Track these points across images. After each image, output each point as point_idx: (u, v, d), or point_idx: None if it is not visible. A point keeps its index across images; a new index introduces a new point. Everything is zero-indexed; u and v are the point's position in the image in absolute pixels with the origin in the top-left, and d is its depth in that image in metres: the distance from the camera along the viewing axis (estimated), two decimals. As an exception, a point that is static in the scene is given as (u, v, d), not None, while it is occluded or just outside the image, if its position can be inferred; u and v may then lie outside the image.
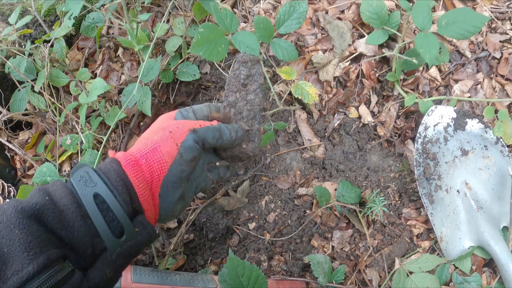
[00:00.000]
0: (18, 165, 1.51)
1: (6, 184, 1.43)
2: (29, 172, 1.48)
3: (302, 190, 1.31)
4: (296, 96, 1.24)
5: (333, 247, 1.23)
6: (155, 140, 0.69)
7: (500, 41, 1.40)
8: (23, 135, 1.53)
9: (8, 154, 1.55)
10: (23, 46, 1.37)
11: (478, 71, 1.38)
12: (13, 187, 1.44)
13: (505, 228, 1.23)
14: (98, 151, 1.30)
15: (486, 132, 1.25)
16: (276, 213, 1.30)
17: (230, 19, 1.08)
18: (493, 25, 1.42)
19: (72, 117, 1.40)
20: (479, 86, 1.32)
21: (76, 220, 0.59)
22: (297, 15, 1.16)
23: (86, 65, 1.55)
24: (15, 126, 1.53)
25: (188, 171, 0.71)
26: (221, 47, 1.05)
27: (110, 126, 1.30)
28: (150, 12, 1.48)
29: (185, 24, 1.33)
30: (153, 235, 0.66)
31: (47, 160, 1.44)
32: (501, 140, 1.25)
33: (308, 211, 1.29)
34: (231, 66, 1.36)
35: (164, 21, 1.38)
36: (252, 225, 1.31)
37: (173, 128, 0.71)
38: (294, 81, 1.28)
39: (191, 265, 1.27)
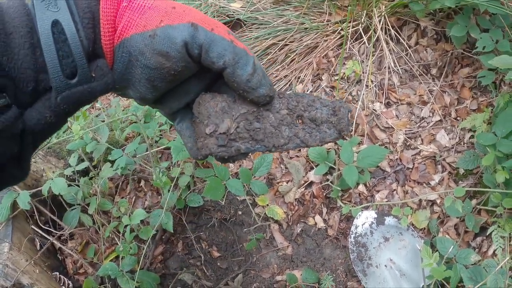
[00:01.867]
0: (70, 266, 2.61)
1: (64, 277, 2.52)
2: (80, 271, 2.57)
3: (279, 277, 2.40)
4: (269, 215, 2.40)
5: (300, 313, 2.30)
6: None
7: (412, 155, 2.56)
8: (71, 244, 2.65)
9: (60, 257, 2.66)
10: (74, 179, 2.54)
11: (396, 180, 2.53)
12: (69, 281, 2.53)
13: (423, 286, 2.29)
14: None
15: (399, 223, 2.37)
16: (262, 295, 2.40)
17: (224, 172, 2.26)
18: (407, 143, 2.60)
19: (112, 231, 2.54)
20: (394, 192, 2.47)
21: (23, 48, 0.59)
22: (266, 164, 2.34)
23: (116, 192, 2.72)
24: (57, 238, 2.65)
25: (149, 73, 0.67)
26: (220, 190, 2.22)
27: (139, 239, 2.43)
28: (168, 161, 2.68)
29: (192, 168, 2.51)
30: (111, 85, 0.67)
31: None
32: (411, 227, 2.35)
33: (283, 291, 2.38)
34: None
35: (177, 166, 2.58)
36: (245, 304, 2.39)
37: (178, 8, 0.67)
38: (267, 205, 2.44)
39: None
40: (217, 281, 2.46)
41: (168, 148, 2.69)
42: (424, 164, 2.51)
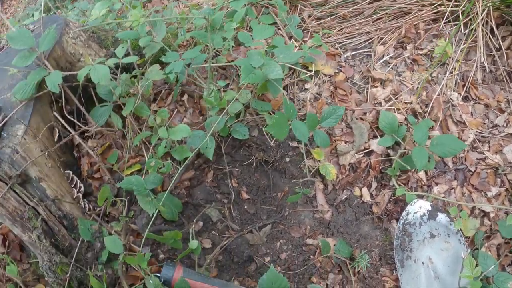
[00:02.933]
0: (85, 167, 2.34)
1: (78, 180, 2.26)
2: (95, 175, 2.31)
3: (309, 241, 2.21)
4: (321, 172, 2.17)
5: (327, 284, 2.12)
6: None
7: (477, 159, 2.37)
8: (92, 143, 2.38)
9: (76, 155, 2.38)
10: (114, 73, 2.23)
11: (455, 179, 2.35)
12: (82, 183, 2.26)
13: (454, 296, 2.14)
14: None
15: (451, 224, 2.19)
16: (287, 254, 2.18)
17: (292, 111, 2.02)
18: (475, 145, 2.41)
19: (142, 141, 2.28)
20: (452, 190, 2.29)
21: None
22: (336, 116, 2.11)
23: (154, 100, 2.44)
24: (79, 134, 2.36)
25: None
26: (285, 129, 1.98)
27: (171, 156, 2.18)
28: (222, 80, 2.40)
29: (249, 96, 2.26)
30: None
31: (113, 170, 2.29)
32: (460, 232, 2.18)
33: (312, 256, 2.18)
34: None
35: (231, 89, 2.32)
36: (267, 259, 2.18)
37: None
38: (321, 161, 2.22)
39: (219, 277, 2.12)
40: (241, 225, 2.25)
41: (223, 68, 2.43)
42: (486, 172, 2.33)
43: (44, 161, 2.11)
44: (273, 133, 1.98)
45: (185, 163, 2.09)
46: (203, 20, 2.19)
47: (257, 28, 2.22)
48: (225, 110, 2.11)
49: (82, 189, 2.24)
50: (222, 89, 2.34)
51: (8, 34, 2.06)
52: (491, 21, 2.53)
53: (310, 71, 2.40)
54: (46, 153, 2.11)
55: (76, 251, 2.09)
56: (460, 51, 2.52)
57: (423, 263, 2.15)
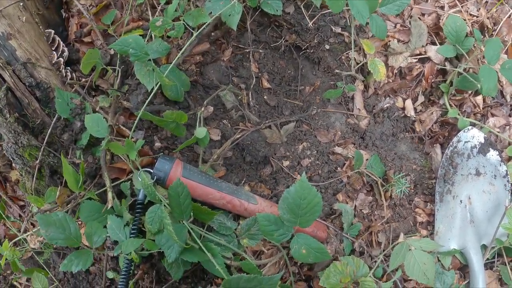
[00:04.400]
0: (73, 28, 1.83)
1: (59, 40, 1.75)
2: (85, 39, 1.80)
3: (338, 149, 1.82)
4: (369, 70, 1.76)
5: (355, 206, 1.75)
6: None
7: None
8: (85, 1, 1.86)
9: (64, 14, 1.86)
10: None
11: (510, 116, 2.02)
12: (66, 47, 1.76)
13: (483, 246, 1.84)
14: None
15: (500, 165, 1.87)
16: (310, 160, 1.79)
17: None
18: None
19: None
20: (508, 127, 1.96)
21: None
22: (400, 3, 1.70)
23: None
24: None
25: None
26: (342, 1, 1.56)
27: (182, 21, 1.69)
28: None
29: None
30: None
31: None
32: (508, 176, 1.88)
33: (339, 169, 1.80)
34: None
35: None
36: (286, 163, 1.78)
37: None
38: (369, 55, 1.81)
39: (226, 179, 1.70)
40: (259, 118, 1.82)
41: None
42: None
43: (16, 13, 1.67)
44: (330, 3, 1.54)
45: (199, 31, 1.60)
46: None
47: None
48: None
49: (66, 53, 1.75)
50: None
51: None
52: None
53: None
54: (21, 3, 1.60)
55: (50, 131, 1.66)
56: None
57: (461, 201, 1.83)
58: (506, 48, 2.00)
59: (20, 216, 1.98)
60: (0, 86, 1.59)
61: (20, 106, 1.64)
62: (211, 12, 1.65)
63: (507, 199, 1.85)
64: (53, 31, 1.76)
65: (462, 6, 2.00)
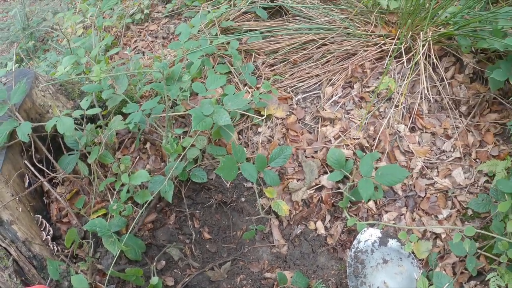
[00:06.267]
0: (54, 212, 2.53)
1: (47, 223, 2.45)
2: (64, 220, 2.50)
3: (267, 274, 2.38)
4: (274, 209, 2.38)
5: (284, 314, 2.29)
6: None
7: (426, 185, 2.58)
8: (61, 189, 2.58)
9: (45, 201, 2.58)
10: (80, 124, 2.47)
11: (405, 206, 2.54)
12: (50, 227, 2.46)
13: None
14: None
15: (402, 248, 2.38)
16: None
17: (241, 153, 2.24)
18: (423, 172, 2.62)
19: (107, 187, 2.49)
20: (402, 216, 2.48)
21: None
22: (284, 156, 2.33)
23: (119, 148, 2.67)
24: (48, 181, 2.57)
25: None
26: (234, 172, 2.20)
27: (133, 201, 2.38)
28: (181, 128, 2.64)
29: (204, 142, 2.48)
30: None
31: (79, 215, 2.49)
32: (412, 254, 2.36)
33: (270, 289, 2.37)
34: None
35: (190, 136, 2.55)
36: (228, 294, 2.37)
37: None
38: (273, 198, 2.43)
39: (180, 314, 2.30)
40: (203, 264, 2.44)
41: (183, 117, 2.66)
42: (436, 196, 2.54)
43: (15, 206, 2.33)
44: (222, 175, 2.21)
45: (145, 206, 2.29)
46: (156, 70, 2.44)
47: (210, 78, 2.46)
48: (182, 155, 2.33)
49: (51, 232, 2.44)
50: (180, 136, 2.56)
51: None
52: (433, 54, 2.79)
53: (262, 115, 2.63)
54: (17, 198, 2.33)
55: (46, 291, 2.27)
56: (405, 85, 2.76)
57: (378, 287, 2.33)
58: (386, 154, 2.58)
59: None
60: (8, 258, 2.23)
61: (23, 272, 2.26)
62: (153, 191, 2.34)
63: (416, 273, 2.33)
64: (40, 216, 2.45)
65: (345, 135, 2.62)
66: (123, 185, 2.41)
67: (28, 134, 2.25)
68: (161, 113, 2.46)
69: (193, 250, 2.47)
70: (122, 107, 2.53)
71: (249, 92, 2.76)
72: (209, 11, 3.01)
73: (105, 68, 2.45)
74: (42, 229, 2.44)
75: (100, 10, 2.82)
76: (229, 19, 3.02)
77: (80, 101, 2.62)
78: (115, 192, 2.44)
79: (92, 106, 2.51)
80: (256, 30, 3.00)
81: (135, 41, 3.44)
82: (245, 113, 2.56)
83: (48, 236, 2.40)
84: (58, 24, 3.05)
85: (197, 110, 2.23)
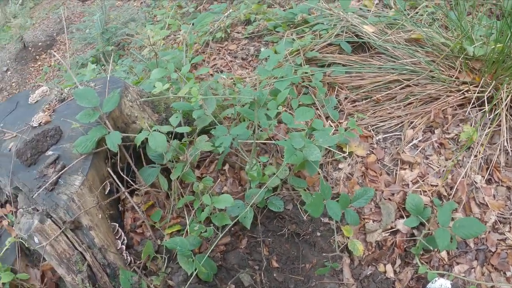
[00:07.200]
0: (129, 221, 2.59)
1: (121, 231, 2.51)
2: (138, 230, 2.56)
3: (334, 311, 2.44)
4: (350, 248, 2.42)
5: None
6: None
7: (498, 240, 2.60)
8: (137, 199, 2.64)
9: (120, 208, 2.64)
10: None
11: (475, 259, 2.57)
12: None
13: None
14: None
15: (468, 303, 2.41)
16: (314, 322, 2.42)
17: (328, 191, 2.28)
18: (496, 226, 2.64)
19: (185, 204, 2.54)
20: (472, 270, 2.51)
21: None
22: (366, 197, 2.37)
23: (198, 167, 2.72)
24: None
25: None
26: (320, 208, 2.25)
27: (209, 221, 2.44)
28: (263, 155, 2.68)
29: (286, 172, 2.52)
30: None
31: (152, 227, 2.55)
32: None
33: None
34: None
35: (270, 164, 2.60)
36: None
37: None
38: (349, 237, 2.47)
39: None
40: (270, 292, 2.48)
41: (264, 143, 2.71)
42: (506, 252, 2.56)
43: (95, 212, 2.40)
44: (310, 211, 2.25)
45: (224, 231, 2.34)
46: (249, 96, 2.47)
47: (299, 110, 2.50)
48: (265, 185, 2.37)
49: (125, 241, 2.50)
50: (262, 163, 2.61)
51: (75, 92, 2.40)
52: (515, 106, 2.80)
53: (344, 152, 2.67)
54: (98, 205, 2.38)
55: (117, 300, 2.34)
56: (485, 135, 2.78)
57: None
58: (462, 205, 2.60)
59: None
60: (83, 263, 2.30)
61: (95, 278, 2.35)
62: (231, 215, 2.40)
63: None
64: (117, 225, 2.52)
65: (423, 180, 2.65)
66: (202, 205, 2.46)
67: (117, 144, 2.30)
68: (247, 139, 2.51)
69: (262, 278, 2.51)
70: (207, 126, 2.58)
71: (331, 126, 2.80)
72: (293, 39, 3.05)
73: (195, 86, 2.49)
74: (117, 237, 2.50)
75: (193, 29, 2.88)
76: (313, 49, 3.07)
77: (165, 115, 2.68)
78: (193, 211, 2.49)
79: (179, 123, 2.56)
80: (339, 63, 3.04)
81: (214, 58, 3.51)
82: (329, 148, 2.60)
83: (123, 246, 2.47)
84: (139, 33, 3.11)
85: (288, 142, 2.27)
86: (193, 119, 2.62)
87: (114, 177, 2.47)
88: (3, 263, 2.45)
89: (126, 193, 2.51)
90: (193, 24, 3.02)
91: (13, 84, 8.02)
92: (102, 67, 3.88)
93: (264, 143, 2.74)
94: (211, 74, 3.12)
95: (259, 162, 2.53)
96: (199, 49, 3.54)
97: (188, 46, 2.93)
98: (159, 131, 2.34)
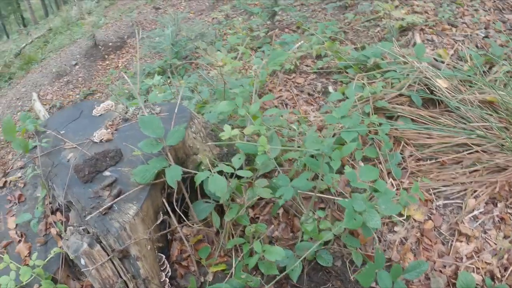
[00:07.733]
0: (175, 252, 2.60)
1: (168, 265, 2.52)
2: (183, 263, 2.56)
3: None
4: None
5: None
6: None
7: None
8: (186, 231, 2.64)
9: (169, 237, 2.64)
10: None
11: None
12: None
13: None
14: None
15: None
16: None
17: (381, 260, 2.24)
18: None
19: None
20: None
21: None
22: (419, 271, 2.30)
23: (252, 207, 2.70)
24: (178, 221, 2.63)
25: None
26: (371, 278, 2.22)
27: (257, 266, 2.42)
28: (322, 210, 2.64)
29: (340, 230, 2.48)
30: None
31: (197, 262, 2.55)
32: None
33: None
34: None
35: (327, 216, 2.56)
36: None
37: None
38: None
39: None
40: None
41: (321, 192, 2.68)
42: None
43: (144, 243, 2.39)
44: (361, 280, 2.22)
45: (271, 283, 2.32)
46: (316, 149, 2.42)
47: (363, 169, 2.46)
48: (319, 242, 2.35)
49: (169, 273, 2.50)
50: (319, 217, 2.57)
51: (141, 119, 2.38)
52: None
53: (402, 215, 2.62)
54: (148, 237, 2.38)
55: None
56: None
57: None
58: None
59: None
60: None
61: None
62: (279, 264, 2.38)
63: None
64: (164, 256, 2.52)
65: (478, 256, 2.59)
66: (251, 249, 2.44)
67: (176, 180, 2.28)
68: (307, 190, 2.47)
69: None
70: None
71: (392, 185, 2.74)
72: (364, 84, 2.98)
73: (261, 128, 2.45)
74: (162, 268, 2.51)
75: (265, 66, 2.82)
76: (383, 98, 2.99)
77: (226, 150, 2.66)
78: (241, 254, 2.48)
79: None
80: (408, 117, 2.96)
81: (280, 90, 3.45)
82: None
83: (166, 278, 2.47)
84: (208, 53, 3.07)
85: (349, 203, 2.23)
86: (253, 156, 2.59)
87: (169, 210, 2.47)
88: (45, 270, 2.48)
89: (179, 229, 2.51)
90: (262, 56, 2.97)
91: (79, 79, 8.18)
92: (168, 79, 3.85)
93: (321, 192, 2.70)
94: (276, 106, 3.07)
95: (316, 217, 2.49)
96: (268, 80, 3.49)
97: (260, 83, 2.88)
98: (219, 173, 2.32)
